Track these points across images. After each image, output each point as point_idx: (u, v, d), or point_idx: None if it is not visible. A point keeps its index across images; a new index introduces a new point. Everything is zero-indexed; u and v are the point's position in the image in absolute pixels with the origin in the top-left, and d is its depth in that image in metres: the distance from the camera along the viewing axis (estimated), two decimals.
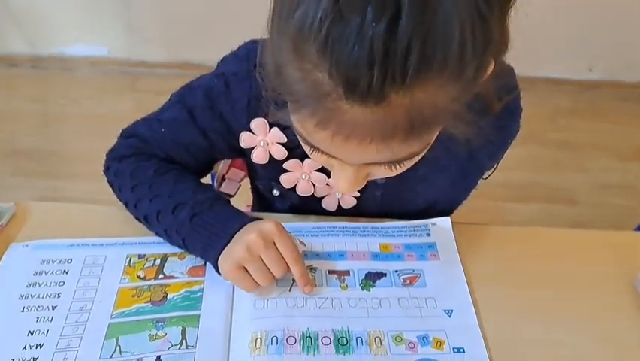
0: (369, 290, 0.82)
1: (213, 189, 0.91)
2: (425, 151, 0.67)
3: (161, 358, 0.73)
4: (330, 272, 0.84)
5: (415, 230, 0.93)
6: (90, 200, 0.95)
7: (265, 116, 0.85)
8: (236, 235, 0.81)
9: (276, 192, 0.96)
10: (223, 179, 1.22)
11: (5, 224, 0.91)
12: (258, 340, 0.74)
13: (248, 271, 0.79)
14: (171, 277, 0.84)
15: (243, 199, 1.16)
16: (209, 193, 0.88)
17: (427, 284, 0.84)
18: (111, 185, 0.94)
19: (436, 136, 0.66)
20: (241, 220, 0.82)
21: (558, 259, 0.91)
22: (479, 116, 0.66)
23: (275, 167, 0.90)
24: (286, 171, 0.90)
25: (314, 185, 0.92)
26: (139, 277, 0.84)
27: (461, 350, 0.76)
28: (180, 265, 0.85)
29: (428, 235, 0.92)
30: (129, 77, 2.86)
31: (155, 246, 0.88)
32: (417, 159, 0.67)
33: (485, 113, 0.74)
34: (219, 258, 0.80)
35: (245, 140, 0.87)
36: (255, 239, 0.78)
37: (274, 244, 0.79)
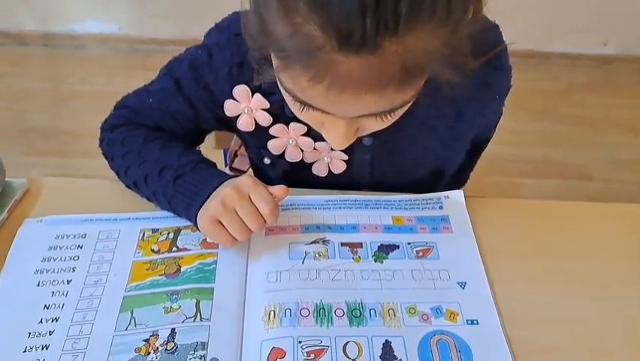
0: (382, 262, 0.82)
1: (199, 152, 0.93)
2: (413, 98, 0.67)
3: (176, 330, 0.73)
4: (343, 244, 0.84)
5: (427, 203, 0.92)
6: (103, 177, 0.96)
7: (247, 83, 0.85)
8: (213, 192, 0.82)
9: (267, 160, 0.96)
10: (235, 155, 1.22)
11: (19, 200, 0.91)
12: (272, 312, 0.75)
13: (224, 226, 0.79)
14: (184, 249, 0.84)
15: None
16: (194, 156, 0.89)
17: (440, 256, 0.83)
18: (105, 156, 0.96)
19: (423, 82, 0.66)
20: (221, 179, 0.83)
21: (572, 232, 0.90)
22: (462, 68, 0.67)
23: (262, 134, 0.91)
24: (273, 137, 0.91)
25: (302, 151, 0.92)
26: (153, 250, 0.84)
27: (475, 321, 0.76)
28: (193, 237, 0.86)
29: (441, 207, 0.92)
30: (140, 55, 2.86)
31: (169, 220, 0.88)
32: (406, 107, 0.67)
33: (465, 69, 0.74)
34: (198, 214, 0.82)
35: (229, 108, 0.88)
36: (229, 192, 0.79)
37: (249, 197, 0.80)
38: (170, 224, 0.88)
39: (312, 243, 0.84)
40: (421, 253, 0.84)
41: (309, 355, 0.70)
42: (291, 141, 0.91)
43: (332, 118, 0.66)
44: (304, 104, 0.64)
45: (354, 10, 0.50)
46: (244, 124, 0.89)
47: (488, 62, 0.83)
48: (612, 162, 2.38)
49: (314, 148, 0.91)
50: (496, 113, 1.01)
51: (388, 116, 0.66)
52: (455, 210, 0.91)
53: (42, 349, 0.72)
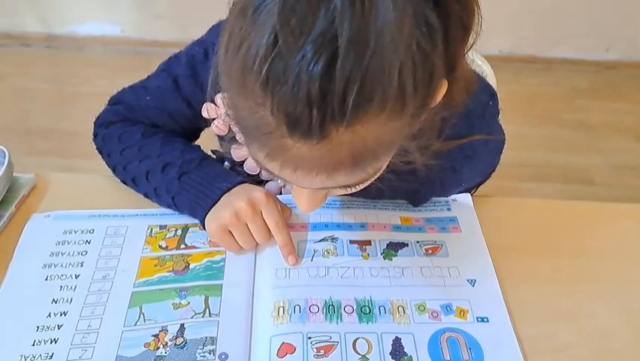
0: (391, 260, 0.82)
1: (201, 149, 0.92)
2: (379, 173, 0.67)
3: (185, 326, 0.73)
4: (352, 242, 0.84)
5: (435, 205, 0.92)
6: (105, 177, 0.96)
7: None
8: (224, 196, 0.83)
9: (227, 164, 0.96)
10: None
11: (26, 195, 0.91)
12: (281, 308, 0.74)
13: (232, 234, 0.82)
14: (193, 247, 0.84)
15: None
16: (197, 153, 0.90)
17: (450, 254, 0.83)
18: (100, 151, 0.96)
19: (389, 158, 0.66)
20: (228, 181, 0.84)
21: (579, 231, 0.90)
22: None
23: (231, 139, 0.89)
24: (239, 143, 0.89)
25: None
26: (160, 247, 0.84)
27: (485, 319, 0.75)
28: (201, 235, 0.85)
29: (449, 209, 0.92)
30: (143, 57, 2.86)
31: (176, 217, 0.88)
32: (372, 179, 0.67)
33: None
34: (207, 217, 0.82)
35: (207, 110, 0.87)
36: (244, 207, 0.80)
37: (261, 212, 0.82)
38: (177, 221, 0.88)
39: (320, 241, 0.84)
40: (430, 251, 0.83)
41: (318, 350, 0.70)
42: None
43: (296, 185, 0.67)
44: (267, 170, 0.63)
45: (302, 101, 0.49)
46: (218, 128, 0.88)
47: (461, 147, 0.83)
48: (614, 167, 2.38)
49: None
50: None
51: (352, 188, 0.65)
52: (463, 212, 0.91)
53: (51, 343, 0.71)
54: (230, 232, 0.82)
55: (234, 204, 0.81)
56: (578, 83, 2.81)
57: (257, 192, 0.83)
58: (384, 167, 0.66)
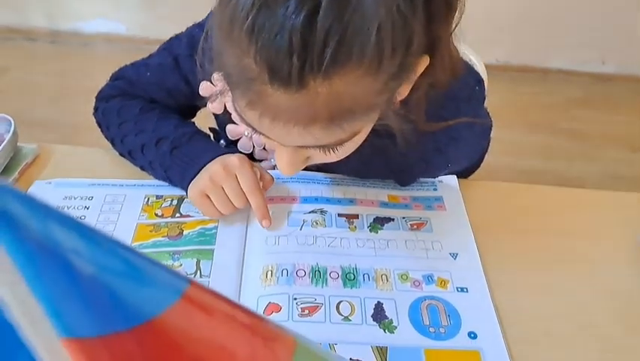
0: (377, 232, 0.85)
1: (194, 124, 0.96)
2: (358, 138, 0.69)
3: None
4: (340, 215, 0.87)
5: (422, 185, 0.96)
6: None
7: None
8: (205, 165, 0.86)
9: (222, 143, 1.00)
10: None
11: (29, 163, 0.95)
12: (269, 272, 0.78)
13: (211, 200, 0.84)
14: (187, 215, 0.87)
15: None
16: (190, 128, 0.93)
17: (434, 230, 0.87)
18: (99, 125, 0.99)
19: (370, 126, 0.69)
20: (213, 153, 0.87)
21: (561, 214, 0.94)
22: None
23: (226, 118, 0.93)
24: (234, 122, 0.93)
25: (254, 146, 0.95)
26: (156, 215, 0.88)
27: (465, 289, 0.79)
28: None
29: (435, 189, 0.95)
30: (146, 55, 2.90)
31: (173, 188, 0.91)
32: (351, 145, 0.70)
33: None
34: (189, 186, 0.86)
35: (204, 89, 0.90)
36: (217, 170, 0.83)
37: (236, 176, 0.84)
38: (174, 191, 0.91)
39: (310, 212, 0.87)
40: (415, 226, 0.87)
41: (303, 310, 0.73)
42: (246, 133, 0.93)
43: (279, 144, 0.70)
44: (248, 125, 0.67)
45: (283, 50, 0.53)
46: (215, 107, 0.92)
47: (447, 128, 0.86)
48: (608, 176, 2.41)
49: (264, 148, 0.94)
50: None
51: (332, 151, 0.68)
52: (449, 192, 0.94)
53: None
54: (209, 197, 0.84)
55: (209, 169, 0.84)
56: (573, 94, 2.85)
57: (232, 156, 0.85)
58: (364, 132, 0.69)
